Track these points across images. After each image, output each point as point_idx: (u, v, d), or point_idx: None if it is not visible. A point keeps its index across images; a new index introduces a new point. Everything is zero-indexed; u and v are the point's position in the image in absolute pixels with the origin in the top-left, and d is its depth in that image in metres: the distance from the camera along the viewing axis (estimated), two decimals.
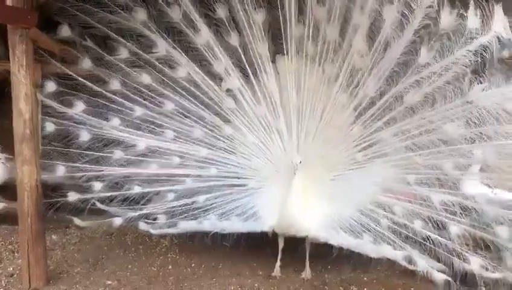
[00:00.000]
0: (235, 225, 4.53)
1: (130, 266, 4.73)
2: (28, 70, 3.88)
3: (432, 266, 4.00)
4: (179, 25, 4.49)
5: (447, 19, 3.64)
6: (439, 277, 3.94)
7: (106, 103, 4.67)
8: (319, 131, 4.50)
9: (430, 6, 3.65)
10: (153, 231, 4.65)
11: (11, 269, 4.54)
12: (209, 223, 4.55)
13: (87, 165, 4.67)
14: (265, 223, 4.44)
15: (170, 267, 4.76)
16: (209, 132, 4.72)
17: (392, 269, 4.46)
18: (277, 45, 4.52)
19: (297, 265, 4.68)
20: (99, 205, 4.67)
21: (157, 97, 4.69)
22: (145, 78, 4.64)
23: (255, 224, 4.49)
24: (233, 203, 4.73)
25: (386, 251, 4.15)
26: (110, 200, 4.73)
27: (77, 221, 4.68)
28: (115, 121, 4.71)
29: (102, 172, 4.69)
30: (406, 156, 4.24)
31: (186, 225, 4.63)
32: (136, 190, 4.77)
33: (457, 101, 3.89)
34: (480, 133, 3.87)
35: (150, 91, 4.69)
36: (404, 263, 4.09)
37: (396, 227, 4.29)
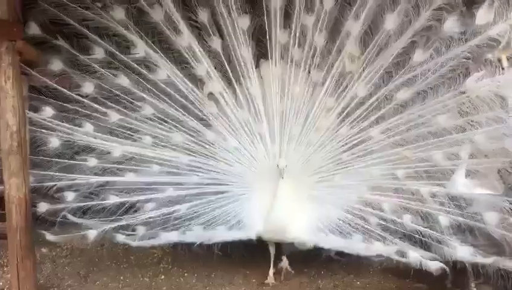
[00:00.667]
0: (220, 234, 4.30)
1: (121, 278, 4.59)
2: (14, 83, 3.78)
3: (424, 257, 3.95)
4: (160, 26, 4.25)
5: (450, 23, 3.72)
6: (434, 266, 3.88)
7: (78, 108, 4.34)
8: (303, 135, 4.36)
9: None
10: (132, 243, 4.31)
11: (1, 283, 4.37)
12: (193, 234, 4.30)
13: (58, 174, 4.33)
14: (251, 230, 4.28)
15: (163, 277, 4.65)
16: (190, 138, 4.47)
17: (385, 273, 4.52)
18: (261, 50, 4.38)
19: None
20: (71, 217, 4.28)
21: (134, 101, 4.42)
22: (122, 81, 4.36)
23: (241, 232, 4.30)
24: (216, 211, 4.49)
25: (377, 248, 4.11)
26: (83, 212, 4.35)
27: (48, 236, 4.26)
28: (88, 127, 4.39)
29: (74, 181, 4.35)
30: (394, 151, 4.18)
31: (168, 236, 4.34)
32: (112, 199, 4.43)
33: (450, 93, 3.89)
34: (472, 121, 3.87)
35: (126, 95, 4.41)
36: (396, 257, 4.05)
37: (385, 223, 4.22)
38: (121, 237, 4.32)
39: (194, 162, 4.49)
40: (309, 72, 4.30)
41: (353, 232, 4.28)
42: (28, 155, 3.95)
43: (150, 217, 4.43)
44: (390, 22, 3.89)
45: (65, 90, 4.30)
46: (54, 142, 4.35)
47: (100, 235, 4.32)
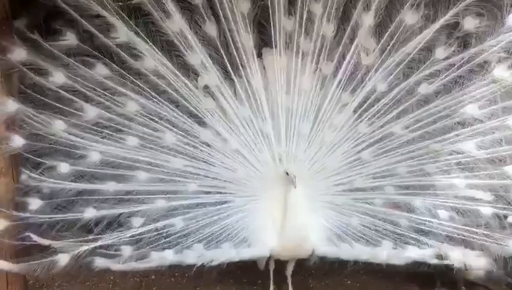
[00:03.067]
0: (226, 254, 3.52)
1: (112, 278, 4.42)
2: (2, 82, 3.35)
3: (467, 254, 3.48)
4: (146, 6, 3.47)
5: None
6: (482, 263, 3.48)
7: (47, 101, 3.48)
8: (315, 133, 3.73)
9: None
10: (114, 267, 3.40)
11: None
12: (193, 254, 3.49)
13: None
14: (263, 247, 3.60)
15: (153, 277, 4.53)
16: (183, 139, 3.67)
17: (375, 274, 4.37)
18: (264, 37, 3.71)
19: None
20: (36, 237, 3.31)
21: (115, 95, 3.60)
22: (101, 70, 3.54)
23: (251, 250, 3.59)
24: (217, 225, 3.70)
25: (411, 253, 3.55)
26: (51, 228, 3.38)
27: (2, 263, 3.25)
28: (58, 124, 3.48)
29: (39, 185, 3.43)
30: (422, 145, 3.68)
31: (162, 256, 3.46)
32: (89, 213, 3.50)
33: (477, 84, 3.51)
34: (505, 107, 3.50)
35: (106, 87, 3.58)
36: (434, 261, 3.54)
37: (417, 225, 3.66)
38: (101, 261, 3.40)
39: (190, 168, 3.68)
40: (318, 62, 3.70)
41: (381, 238, 3.67)
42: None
43: (137, 234, 3.55)
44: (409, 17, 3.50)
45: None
46: (17, 140, 3.41)
47: (74, 260, 3.38)
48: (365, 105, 3.69)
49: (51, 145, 3.46)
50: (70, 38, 3.45)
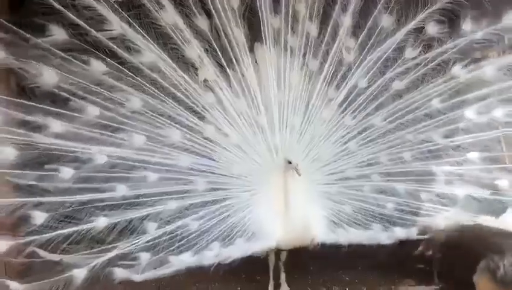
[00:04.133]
0: (240, 249, 3.48)
1: None
2: None
3: None
4: None
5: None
6: None
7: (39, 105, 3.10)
8: (306, 126, 3.85)
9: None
10: (136, 278, 3.18)
11: None
12: (211, 254, 3.40)
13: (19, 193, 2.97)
14: (269, 239, 3.61)
15: None
16: (187, 135, 3.54)
17: (373, 269, 4.36)
18: (255, 33, 3.73)
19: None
20: (43, 253, 2.97)
21: (116, 92, 3.34)
22: (97, 66, 3.25)
23: (259, 242, 3.58)
24: (228, 222, 3.64)
25: (398, 233, 3.82)
26: (61, 241, 3.06)
27: (13, 285, 2.86)
28: (56, 127, 3.14)
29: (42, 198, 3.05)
30: (398, 135, 3.98)
31: (179, 260, 3.31)
32: (101, 221, 3.22)
33: (440, 79, 3.90)
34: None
35: (105, 85, 3.31)
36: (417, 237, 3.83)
37: (402, 207, 3.95)
38: (120, 271, 3.15)
39: (197, 165, 3.56)
40: (305, 59, 3.83)
41: (371, 222, 3.92)
42: None
43: (152, 239, 3.35)
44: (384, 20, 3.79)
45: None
46: (8, 152, 2.99)
47: (92, 274, 3.08)
48: (348, 99, 3.90)
49: (50, 152, 3.06)
50: (58, 33, 3.11)
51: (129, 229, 3.29)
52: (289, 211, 3.61)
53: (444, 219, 3.84)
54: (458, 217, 3.81)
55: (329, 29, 3.73)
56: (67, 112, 3.16)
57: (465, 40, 3.73)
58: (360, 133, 3.95)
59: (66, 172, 3.14)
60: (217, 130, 3.62)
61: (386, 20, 3.71)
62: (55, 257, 2.99)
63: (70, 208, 3.12)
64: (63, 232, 3.07)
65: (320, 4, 3.68)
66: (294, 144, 3.80)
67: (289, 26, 3.69)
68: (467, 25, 3.70)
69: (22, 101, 3.03)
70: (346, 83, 3.85)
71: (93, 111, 3.22)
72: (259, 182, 3.74)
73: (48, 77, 3.09)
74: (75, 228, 3.12)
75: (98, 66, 3.22)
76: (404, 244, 3.93)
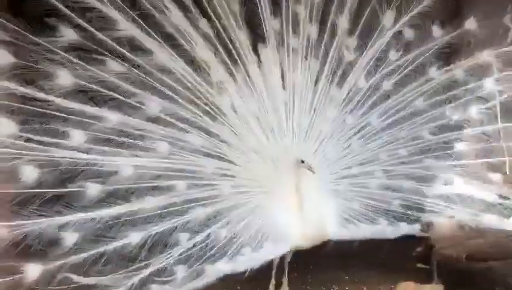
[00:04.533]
0: (269, 251, 3.44)
1: None
2: None
3: None
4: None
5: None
6: None
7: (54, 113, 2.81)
8: (312, 125, 3.85)
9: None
10: None
11: None
12: (244, 259, 3.29)
13: (45, 213, 2.67)
14: (289, 239, 3.59)
15: None
16: (207, 138, 3.41)
17: (373, 269, 4.36)
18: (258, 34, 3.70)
19: None
20: (77, 278, 2.68)
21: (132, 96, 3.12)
22: (114, 66, 3.05)
23: (280, 245, 3.55)
24: (252, 226, 3.54)
25: (403, 229, 3.93)
26: (95, 262, 2.78)
27: None
28: (77, 138, 2.86)
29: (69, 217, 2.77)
30: (391, 131, 4.08)
31: (215, 269, 3.15)
32: (135, 237, 2.97)
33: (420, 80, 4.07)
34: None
35: (121, 88, 3.08)
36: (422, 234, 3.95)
37: (407, 203, 4.04)
38: (158, 288, 2.93)
39: (219, 170, 3.44)
40: (307, 59, 3.86)
41: (379, 216, 3.98)
42: None
43: (185, 251, 3.16)
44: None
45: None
46: (28, 171, 2.68)
47: None
48: (348, 98, 3.98)
49: (73, 167, 2.77)
50: (67, 34, 2.87)
51: (160, 244, 3.06)
52: (304, 210, 3.60)
53: (447, 217, 3.96)
54: (462, 215, 3.92)
55: (327, 30, 3.79)
56: (87, 120, 2.87)
57: (435, 44, 3.94)
58: (359, 131, 4.02)
59: (93, 188, 2.86)
60: (233, 132, 3.52)
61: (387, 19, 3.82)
62: (91, 281, 2.68)
63: (100, 225, 2.79)
64: (96, 252, 2.79)
65: (319, 5, 3.71)
66: (303, 144, 3.79)
67: (290, 27, 3.70)
68: (436, 31, 3.92)
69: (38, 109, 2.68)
70: (346, 82, 3.91)
71: (113, 117, 2.98)
72: (273, 184, 3.67)
73: (63, 79, 2.82)
74: (108, 247, 2.82)
75: (114, 67, 3.02)
76: (404, 244, 4.03)
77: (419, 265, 4.37)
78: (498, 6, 3.85)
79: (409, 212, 3.96)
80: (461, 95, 4.02)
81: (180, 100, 3.27)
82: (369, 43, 3.89)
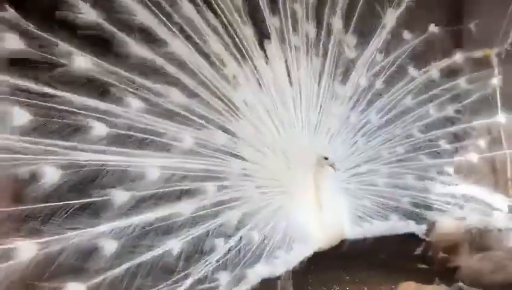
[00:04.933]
0: (299, 253, 3.28)
1: None
2: None
3: None
4: None
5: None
6: None
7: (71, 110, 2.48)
8: (320, 122, 3.77)
9: None
10: None
11: None
12: (280, 261, 3.13)
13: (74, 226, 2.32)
14: (312, 240, 3.44)
15: None
16: (231, 137, 3.22)
17: (373, 269, 4.31)
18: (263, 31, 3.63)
19: None
20: None
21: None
22: (136, 50, 2.81)
23: (304, 246, 3.39)
24: (279, 227, 3.33)
25: (412, 227, 3.94)
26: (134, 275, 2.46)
27: None
28: (98, 129, 2.56)
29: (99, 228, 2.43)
30: (388, 129, 4.09)
31: (255, 273, 2.95)
32: (174, 244, 2.69)
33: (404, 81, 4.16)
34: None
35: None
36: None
37: (415, 201, 4.03)
38: None
39: (243, 170, 3.24)
40: (309, 56, 3.82)
41: (390, 213, 3.93)
42: None
43: (222, 256, 2.89)
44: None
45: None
46: (50, 173, 2.33)
47: None
48: (351, 95, 3.96)
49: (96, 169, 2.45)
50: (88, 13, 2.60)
51: (196, 251, 2.77)
52: (324, 210, 3.48)
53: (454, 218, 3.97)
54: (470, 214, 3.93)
55: (324, 28, 3.80)
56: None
57: (410, 47, 4.07)
58: (362, 128, 3.99)
59: (122, 196, 2.54)
60: (249, 129, 3.36)
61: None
62: None
63: (136, 232, 2.50)
64: (138, 262, 2.46)
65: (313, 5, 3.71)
66: (315, 141, 3.68)
67: (289, 25, 3.66)
68: (406, 35, 4.07)
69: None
70: (350, 80, 3.91)
71: (136, 103, 2.74)
72: (291, 183, 3.50)
73: (80, 61, 2.52)
74: (146, 256, 2.49)
75: (136, 50, 2.76)
76: (405, 244, 4.04)
77: (420, 265, 4.32)
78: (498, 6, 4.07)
79: (417, 210, 3.94)
80: (439, 94, 4.17)
81: (200, 95, 3.07)
82: (369, 41, 3.93)
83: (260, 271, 2.93)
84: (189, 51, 3.04)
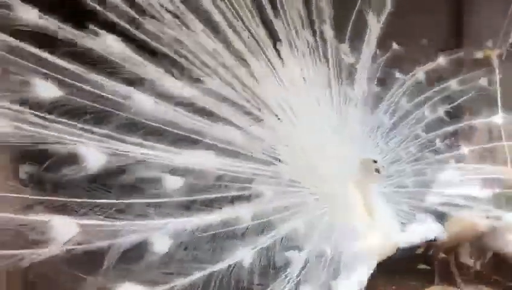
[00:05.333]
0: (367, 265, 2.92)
1: None
2: None
3: None
4: None
5: None
6: None
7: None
8: (344, 125, 3.51)
9: None
10: None
11: None
12: (359, 275, 2.81)
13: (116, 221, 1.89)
14: (374, 251, 3.08)
15: None
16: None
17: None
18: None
19: None
20: None
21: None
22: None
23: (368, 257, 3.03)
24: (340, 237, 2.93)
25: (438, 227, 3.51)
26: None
27: None
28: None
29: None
30: (399, 130, 3.86)
31: (339, 285, 2.59)
32: (243, 252, 2.23)
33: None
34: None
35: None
36: None
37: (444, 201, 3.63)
38: None
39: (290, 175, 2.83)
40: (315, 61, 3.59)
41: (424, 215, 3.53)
42: None
43: (301, 269, 2.43)
44: None
45: None
46: (96, 158, 1.92)
47: None
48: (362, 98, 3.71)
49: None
50: None
51: (268, 265, 2.26)
52: (377, 218, 3.11)
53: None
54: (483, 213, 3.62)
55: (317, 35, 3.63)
56: None
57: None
58: (378, 130, 3.75)
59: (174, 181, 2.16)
60: (285, 130, 3.05)
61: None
62: None
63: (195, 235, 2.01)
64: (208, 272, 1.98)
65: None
66: (349, 145, 3.33)
67: (292, 30, 3.47)
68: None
69: None
70: (357, 83, 3.70)
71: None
72: (341, 189, 3.15)
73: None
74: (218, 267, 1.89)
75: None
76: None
77: (420, 266, 4.18)
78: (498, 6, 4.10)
79: (445, 209, 3.54)
80: (431, 96, 4.04)
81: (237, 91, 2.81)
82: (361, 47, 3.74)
83: (344, 285, 2.59)
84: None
